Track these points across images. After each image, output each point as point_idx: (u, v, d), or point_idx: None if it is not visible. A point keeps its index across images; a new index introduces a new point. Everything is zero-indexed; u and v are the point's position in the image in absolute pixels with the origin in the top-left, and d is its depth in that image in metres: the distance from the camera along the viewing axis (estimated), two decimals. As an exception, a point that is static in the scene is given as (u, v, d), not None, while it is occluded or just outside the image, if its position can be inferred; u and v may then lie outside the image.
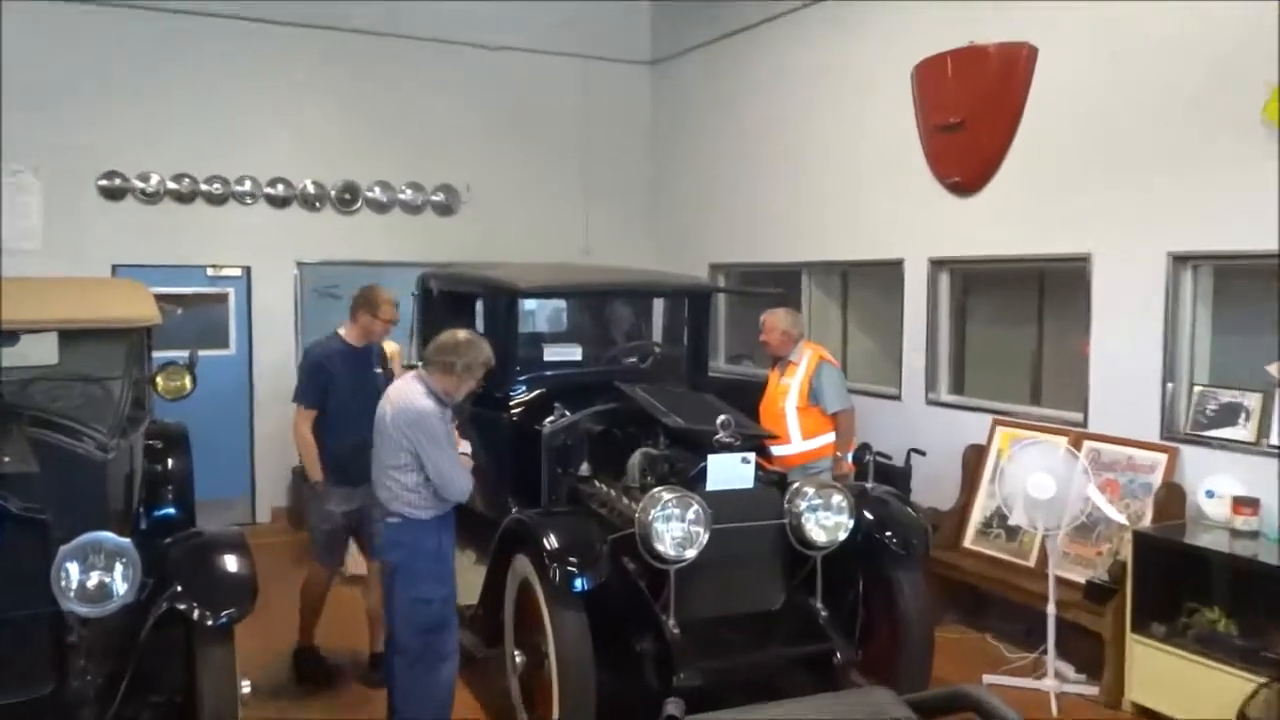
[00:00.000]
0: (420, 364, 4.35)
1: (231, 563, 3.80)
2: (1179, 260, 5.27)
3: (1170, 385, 5.33)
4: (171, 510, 5.04)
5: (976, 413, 6.39)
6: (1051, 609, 5.12)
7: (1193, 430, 5.24)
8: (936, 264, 6.72)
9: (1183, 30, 5.17)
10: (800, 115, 7.82)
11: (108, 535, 3.47)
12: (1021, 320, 7.02)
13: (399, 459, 4.13)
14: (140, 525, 4.77)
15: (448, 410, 4.20)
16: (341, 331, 5.20)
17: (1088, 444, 5.60)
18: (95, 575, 3.41)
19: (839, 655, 4.30)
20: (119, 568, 3.43)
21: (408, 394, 4.18)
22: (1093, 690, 5.14)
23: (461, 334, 4.31)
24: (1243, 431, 5.03)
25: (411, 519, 4.18)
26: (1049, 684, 5.14)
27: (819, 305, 8.00)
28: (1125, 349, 5.50)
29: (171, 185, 8.13)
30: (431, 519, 4.21)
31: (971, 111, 6.30)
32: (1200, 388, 5.27)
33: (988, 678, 5.26)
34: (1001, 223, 6.20)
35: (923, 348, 6.78)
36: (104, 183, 7.95)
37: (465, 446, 4.34)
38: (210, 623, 3.55)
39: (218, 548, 3.88)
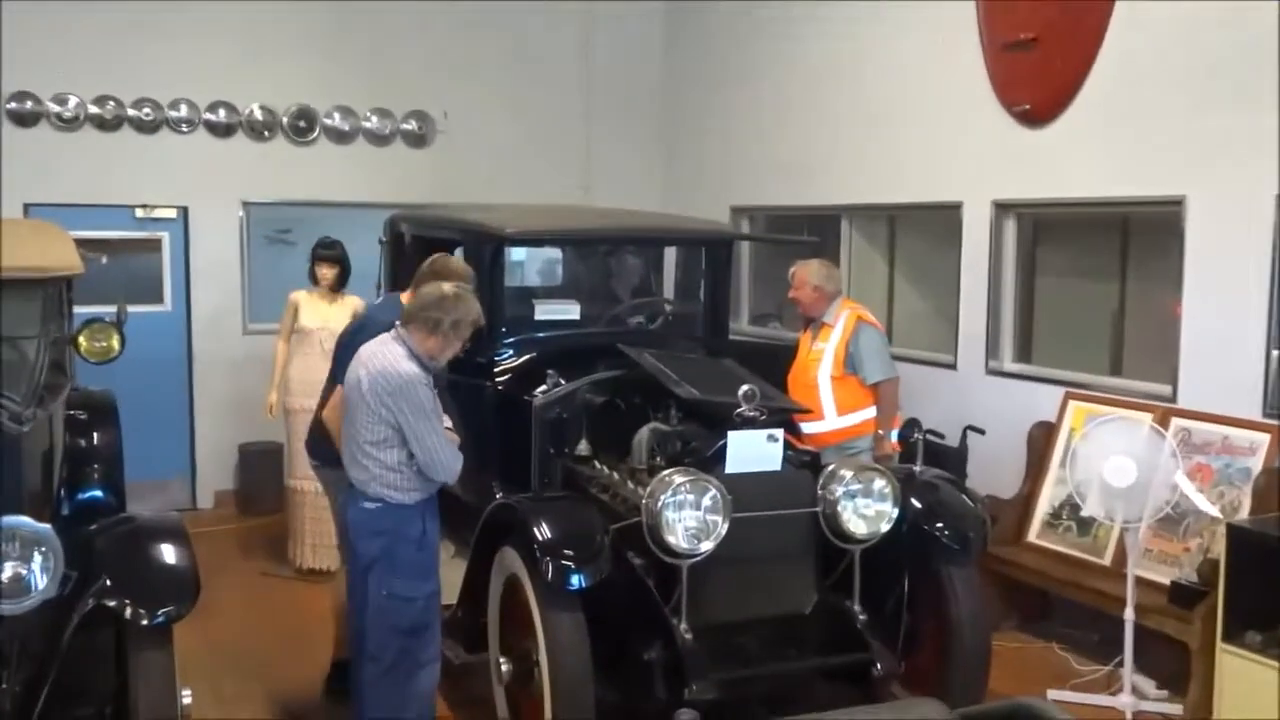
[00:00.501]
0: (398, 323, 4.37)
1: (169, 553, 3.83)
2: (1289, 204, 5.25)
3: (1276, 353, 5.33)
4: (98, 492, 5.07)
5: (1045, 384, 6.39)
6: (1130, 614, 5.15)
7: (1301, 406, 5.25)
8: (1001, 208, 6.70)
9: (1300, -72, 5.12)
10: (842, 30, 7.77)
11: (24, 520, 3.50)
12: (1101, 276, 7.00)
13: (377, 433, 4.17)
14: (61, 509, 4.81)
15: (430, 377, 4.24)
16: (405, 300, 5.05)
17: (1176, 422, 5.61)
18: (10, 566, 3.43)
19: (879, 666, 4.34)
20: (38, 558, 3.46)
21: (387, 357, 4.20)
22: (1176, 709, 5.19)
23: (447, 287, 4.34)
24: (1360, 408, 5.03)
25: (392, 503, 4.22)
26: (1125, 701, 5.18)
27: (861, 256, 7.98)
28: (1223, 310, 5.50)
29: (93, 109, 8.12)
30: (415, 503, 4.26)
31: (1046, 26, 6.25)
32: (1311, 356, 5.27)
33: (1053, 694, 5.31)
34: (1079, 159, 6.17)
35: (983, 307, 6.77)
36: (12, 105, 7.95)
37: (445, 420, 4.38)
38: (145, 622, 3.59)
39: (153, 536, 3.91)
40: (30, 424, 4.14)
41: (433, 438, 4.17)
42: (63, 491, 4.89)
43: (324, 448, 4.83)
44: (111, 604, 3.60)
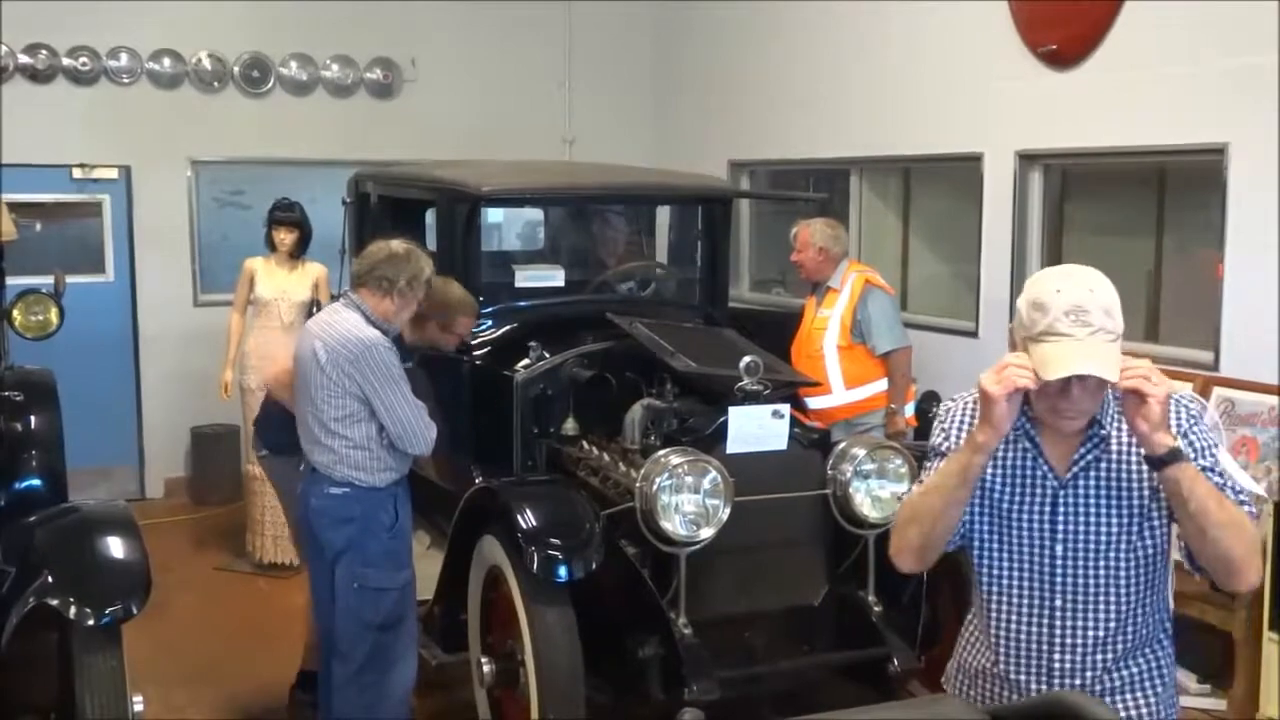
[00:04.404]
0: (346, 288, 4.39)
1: (116, 546, 3.82)
2: (1342, 152, 5.24)
3: (1327, 315, 5.34)
4: (36, 481, 5.06)
5: (1075, 352, 6.39)
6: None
7: (1355, 374, 5.25)
8: (1026, 159, 6.68)
9: None
10: (849, -36, 7.73)
11: (-45, 512, 3.49)
12: (1135, 232, 7.00)
13: (342, 408, 4.19)
14: (-3, 500, 4.81)
15: (391, 342, 4.26)
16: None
17: (1218, 391, 5.62)
18: (-59, 562, 3.44)
19: (896, 662, 4.36)
20: (-29, 553, 3.45)
21: (343, 324, 4.22)
22: (1219, 705, 5.22)
23: (395, 244, 4.40)
24: None
25: (361, 487, 4.25)
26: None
27: (872, 214, 7.97)
28: (1270, 268, 5.50)
29: (24, 59, 8.06)
30: (386, 486, 4.29)
31: (1074, -43, 6.23)
32: (1366, 319, 5.27)
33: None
34: (1111, 104, 6.15)
35: (1007, 269, 6.77)
36: (-66, 56, 7.90)
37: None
38: (91, 622, 3.57)
39: (98, 527, 3.90)
40: (-40, 407, 4.13)
41: (403, 406, 4.20)
42: (-3, 480, 4.88)
43: (276, 433, 4.82)
44: (54, 603, 3.57)
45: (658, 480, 4.19)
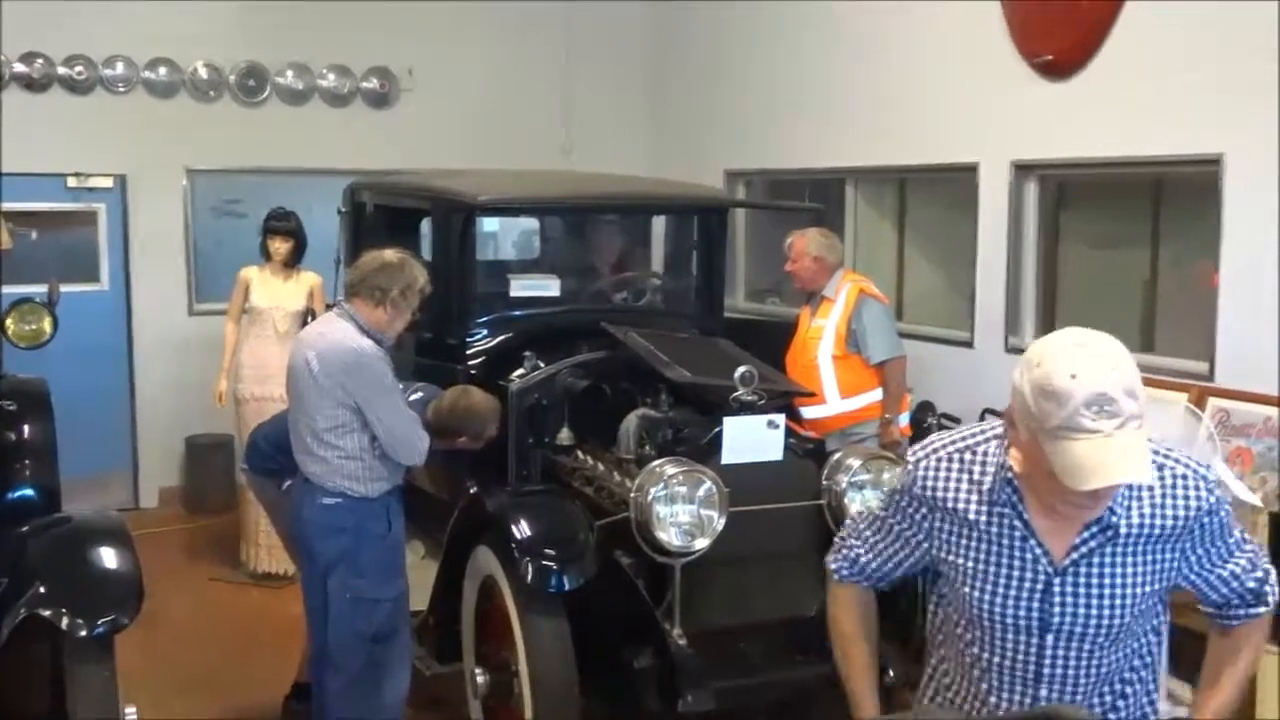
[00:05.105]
0: (340, 298, 4.39)
1: (109, 556, 3.81)
2: (1337, 163, 5.25)
3: (1322, 326, 5.34)
4: (29, 490, 5.05)
5: (1071, 363, 6.38)
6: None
7: (1350, 384, 5.25)
8: (1021, 169, 6.69)
9: None
10: (844, -26, 7.75)
11: (-53, 522, 3.48)
12: (1131, 243, 7.01)
13: (334, 418, 4.19)
14: (-11, 510, 4.80)
15: (385, 352, 4.27)
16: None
17: (1214, 402, 5.62)
18: (-68, 573, 3.43)
19: (891, 673, 4.33)
20: (-37, 564, 3.44)
21: (336, 334, 4.23)
22: (1215, 716, 5.21)
23: (388, 254, 4.40)
24: None
25: (354, 497, 4.25)
26: (1160, 708, 5.19)
27: (868, 224, 7.98)
28: (1265, 279, 5.50)
29: (19, 68, 8.05)
30: (379, 496, 4.30)
31: (1069, -32, 6.24)
32: (1361, 329, 5.27)
33: (1081, 701, 5.33)
34: (1107, 114, 6.16)
35: (1002, 280, 6.77)
36: (-71, 65, 7.89)
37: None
38: (84, 633, 3.56)
39: (91, 537, 3.89)
40: (-47, 416, 4.12)
41: (395, 416, 4.21)
42: (-10, 490, 4.87)
43: (263, 458, 4.83)
44: (46, 613, 3.57)
45: (652, 491, 4.19)
